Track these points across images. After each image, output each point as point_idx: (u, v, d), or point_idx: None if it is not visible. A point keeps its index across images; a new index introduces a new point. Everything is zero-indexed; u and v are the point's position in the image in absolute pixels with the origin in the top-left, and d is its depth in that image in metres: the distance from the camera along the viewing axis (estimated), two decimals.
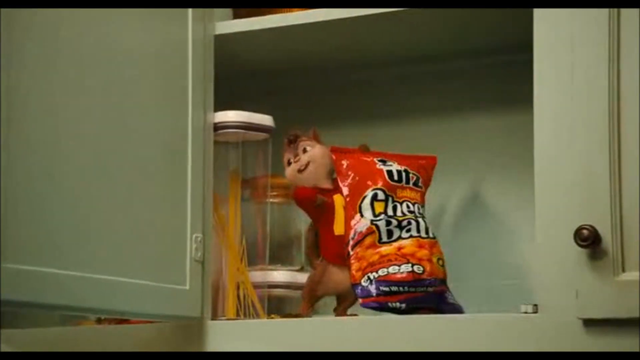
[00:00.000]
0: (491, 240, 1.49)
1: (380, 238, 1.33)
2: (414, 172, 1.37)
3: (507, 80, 1.48)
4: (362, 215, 1.34)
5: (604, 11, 1.20)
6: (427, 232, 1.35)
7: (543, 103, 1.24)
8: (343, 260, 1.35)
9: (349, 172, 1.36)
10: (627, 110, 1.19)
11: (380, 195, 1.34)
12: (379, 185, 1.35)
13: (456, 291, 1.35)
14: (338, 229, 1.36)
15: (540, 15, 1.24)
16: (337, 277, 1.36)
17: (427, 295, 1.31)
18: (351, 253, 1.33)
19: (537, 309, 1.22)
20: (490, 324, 1.24)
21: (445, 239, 1.41)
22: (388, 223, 1.33)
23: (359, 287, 1.32)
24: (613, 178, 1.18)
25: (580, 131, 1.20)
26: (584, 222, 1.17)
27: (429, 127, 1.54)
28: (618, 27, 1.19)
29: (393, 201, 1.34)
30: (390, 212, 1.34)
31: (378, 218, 1.33)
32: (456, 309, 1.33)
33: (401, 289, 1.30)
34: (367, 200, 1.34)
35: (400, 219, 1.33)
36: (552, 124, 1.23)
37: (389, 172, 1.36)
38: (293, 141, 1.40)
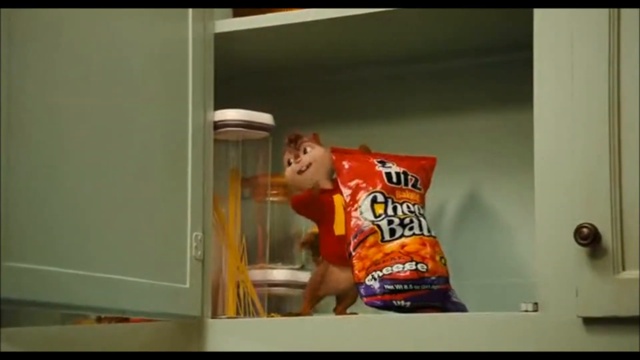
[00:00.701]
0: (491, 239, 1.49)
1: (382, 237, 1.33)
2: (413, 174, 1.37)
3: (506, 80, 1.48)
4: (362, 216, 1.34)
5: (604, 11, 1.20)
6: (429, 231, 1.35)
7: (543, 102, 1.24)
8: (343, 260, 1.35)
9: (349, 173, 1.37)
10: (627, 110, 1.19)
11: (380, 198, 1.34)
12: (378, 188, 1.35)
13: (456, 290, 1.35)
14: (338, 229, 1.36)
15: (540, 15, 1.24)
16: (338, 276, 1.36)
17: (431, 293, 1.31)
18: (353, 253, 1.33)
19: (537, 307, 1.22)
20: (490, 323, 1.24)
21: (445, 239, 1.41)
22: (390, 222, 1.33)
23: (363, 286, 1.32)
24: (613, 176, 1.18)
25: (580, 130, 1.21)
26: (584, 220, 1.17)
27: (429, 126, 1.54)
28: (618, 27, 1.20)
29: (393, 202, 1.34)
30: (390, 212, 1.34)
31: (379, 218, 1.34)
32: (460, 308, 1.33)
33: (405, 287, 1.30)
34: (367, 203, 1.34)
35: (401, 217, 1.34)
36: (552, 123, 1.23)
37: (388, 175, 1.36)
38: (294, 141, 1.40)
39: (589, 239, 1.16)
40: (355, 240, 1.34)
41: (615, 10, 1.20)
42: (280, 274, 1.48)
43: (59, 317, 1.52)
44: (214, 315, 1.40)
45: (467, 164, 1.51)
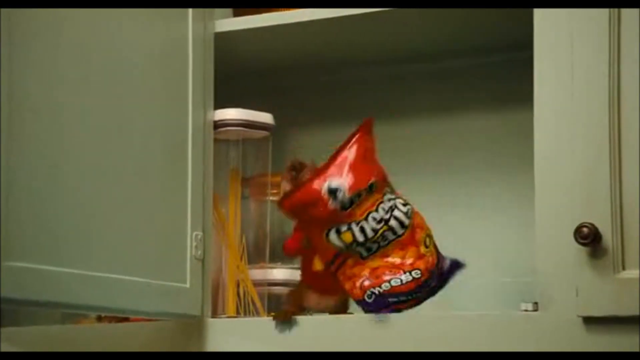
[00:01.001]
0: (490, 238, 1.49)
1: (362, 255, 1.31)
2: (363, 188, 1.30)
3: (506, 80, 1.48)
4: (335, 244, 1.31)
5: (604, 11, 1.20)
6: (402, 225, 1.31)
7: (543, 102, 1.24)
8: (322, 290, 1.34)
9: (305, 219, 1.31)
10: (627, 109, 1.19)
11: (342, 228, 1.30)
12: (334, 224, 1.30)
13: (456, 289, 1.35)
14: (317, 265, 1.33)
15: (540, 15, 1.24)
16: (318, 300, 1.35)
17: (431, 289, 1.31)
18: (337, 274, 1.31)
19: (537, 307, 1.22)
20: (490, 323, 1.24)
21: (445, 238, 1.41)
22: (363, 245, 1.30)
23: (364, 303, 1.30)
24: (613, 176, 1.18)
25: (580, 130, 1.21)
26: (584, 220, 1.17)
27: (429, 126, 1.54)
28: (618, 27, 1.20)
29: (357, 224, 1.30)
30: (360, 237, 1.30)
31: (351, 246, 1.30)
32: (453, 267, 1.31)
33: (409, 297, 1.30)
34: (333, 235, 1.30)
35: (373, 238, 1.30)
36: (552, 123, 1.23)
37: (342, 205, 1.29)
38: (297, 170, 1.33)
39: (589, 238, 1.16)
40: (335, 264, 1.31)
41: (616, 10, 1.20)
42: (280, 273, 1.48)
43: (59, 316, 1.52)
44: (214, 314, 1.40)
45: (467, 163, 1.51)
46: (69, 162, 1.21)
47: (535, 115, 1.24)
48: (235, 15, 1.48)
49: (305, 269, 1.37)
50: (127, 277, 1.26)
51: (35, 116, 1.18)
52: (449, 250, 1.35)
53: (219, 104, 1.43)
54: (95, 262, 1.23)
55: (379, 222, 1.30)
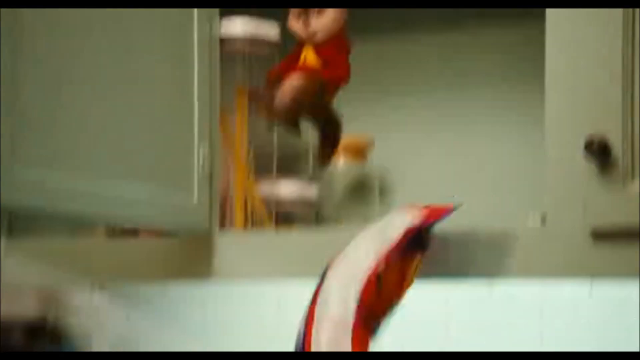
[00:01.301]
0: (499, 150, 1.49)
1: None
2: None
3: None
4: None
5: None
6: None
7: (556, 14, 1.22)
8: None
9: None
10: None
11: None
12: None
13: (464, 204, 1.34)
14: None
15: None
16: None
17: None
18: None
19: (545, 220, 1.21)
20: (497, 236, 1.23)
21: (454, 148, 1.39)
22: None
23: None
24: (625, 88, 1.17)
25: (592, 43, 1.19)
26: (594, 132, 1.16)
27: (438, 39, 1.52)
28: None
29: None
30: None
31: None
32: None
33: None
34: None
35: None
36: (564, 35, 1.21)
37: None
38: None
39: (599, 150, 1.16)
40: None
41: None
42: (287, 188, 1.48)
43: (68, 231, 1.53)
44: (222, 228, 1.40)
45: (476, 77, 1.50)
46: (75, 74, 1.21)
47: (547, 28, 1.22)
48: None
49: None
50: (134, 190, 1.26)
51: (40, 24, 1.16)
52: (458, 160, 1.33)
53: (225, 14, 1.41)
54: (104, 173, 1.23)
55: None
